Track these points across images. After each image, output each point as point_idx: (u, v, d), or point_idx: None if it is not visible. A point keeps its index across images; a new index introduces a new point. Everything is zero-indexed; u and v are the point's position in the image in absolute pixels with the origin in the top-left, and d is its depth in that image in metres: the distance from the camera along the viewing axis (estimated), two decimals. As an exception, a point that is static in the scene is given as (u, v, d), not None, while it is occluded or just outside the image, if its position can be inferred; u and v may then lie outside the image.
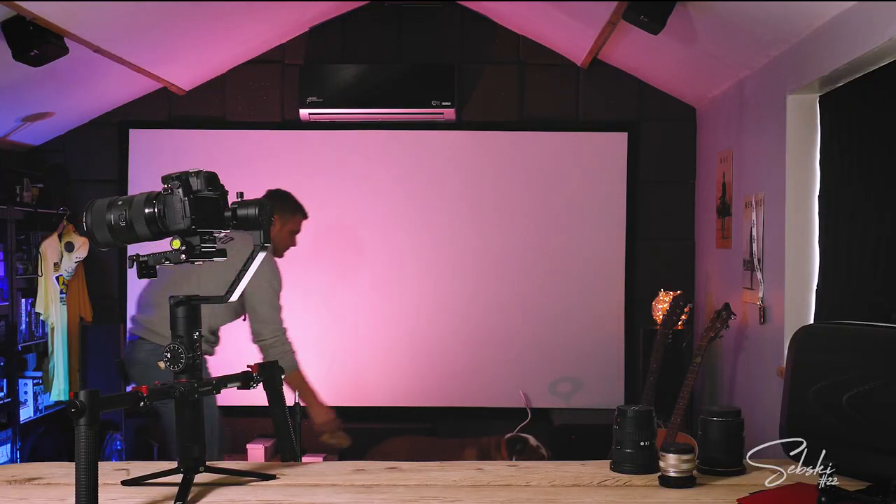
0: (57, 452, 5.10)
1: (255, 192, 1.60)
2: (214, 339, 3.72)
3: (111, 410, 1.47)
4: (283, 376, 1.73)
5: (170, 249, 1.50)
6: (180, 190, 1.47)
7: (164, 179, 1.49)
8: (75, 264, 5.06)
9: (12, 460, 4.65)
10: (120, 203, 1.52)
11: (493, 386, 5.34)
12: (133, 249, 1.58)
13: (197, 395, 1.52)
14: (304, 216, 4.01)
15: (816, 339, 1.61)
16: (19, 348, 4.86)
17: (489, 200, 5.34)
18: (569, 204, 5.31)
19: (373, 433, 5.05)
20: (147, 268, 1.54)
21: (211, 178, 1.50)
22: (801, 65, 3.57)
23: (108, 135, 5.38)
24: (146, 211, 1.49)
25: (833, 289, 3.48)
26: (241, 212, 1.52)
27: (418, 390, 5.35)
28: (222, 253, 1.54)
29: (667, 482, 1.53)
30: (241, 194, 1.55)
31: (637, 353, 5.13)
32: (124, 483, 1.56)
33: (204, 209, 1.48)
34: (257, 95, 5.38)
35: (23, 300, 4.92)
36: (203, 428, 1.55)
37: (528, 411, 5.23)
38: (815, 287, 3.68)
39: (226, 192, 1.53)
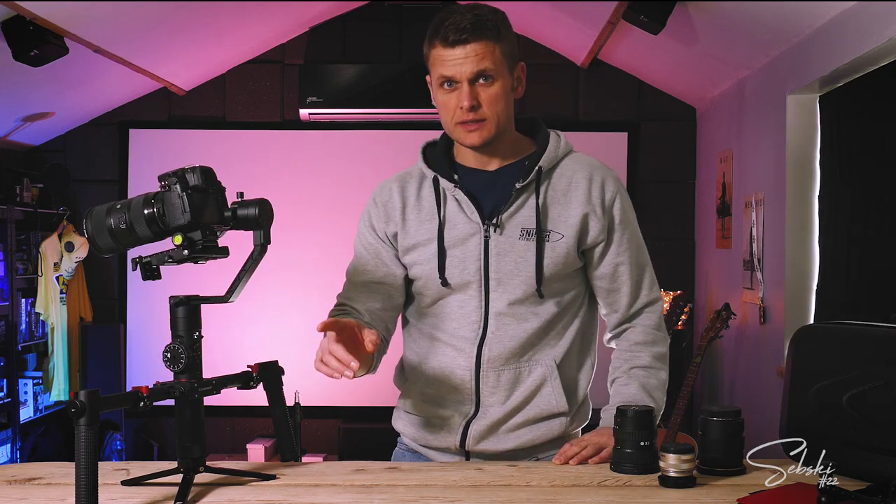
0: (57, 452, 5.10)
1: (255, 192, 1.60)
2: None
3: (111, 410, 1.46)
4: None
5: (172, 248, 1.50)
6: (178, 186, 1.47)
7: (161, 178, 1.49)
8: (75, 264, 5.06)
9: (12, 460, 4.65)
10: (119, 207, 1.52)
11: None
12: (135, 252, 1.58)
13: (197, 395, 1.52)
14: None
15: (816, 339, 1.60)
16: (19, 348, 4.86)
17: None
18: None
19: (372, 433, 5.05)
20: (150, 269, 1.54)
21: (207, 173, 1.50)
22: (801, 65, 3.57)
23: (108, 135, 5.38)
24: (145, 212, 1.48)
25: (833, 289, 3.48)
26: (240, 212, 1.52)
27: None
28: (224, 251, 1.54)
29: (667, 482, 1.53)
30: (240, 194, 1.55)
31: (637, 353, 5.12)
32: (124, 483, 1.56)
33: (203, 204, 1.48)
34: (257, 95, 5.38)
35: (23, 300, 4.92)
36: (203, 428, 1.55)
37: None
38: (815, 287, 3.68)
39: (223, 188, 1.53)
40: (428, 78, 1.87)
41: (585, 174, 1.85)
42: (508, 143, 1.86)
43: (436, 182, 1.84)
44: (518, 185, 1.80)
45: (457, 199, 1.82)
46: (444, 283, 1.81)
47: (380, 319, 1.87)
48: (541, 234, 1.80)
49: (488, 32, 1.75)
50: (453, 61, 1.75)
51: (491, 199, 1.82)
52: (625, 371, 1.88)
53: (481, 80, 1.75)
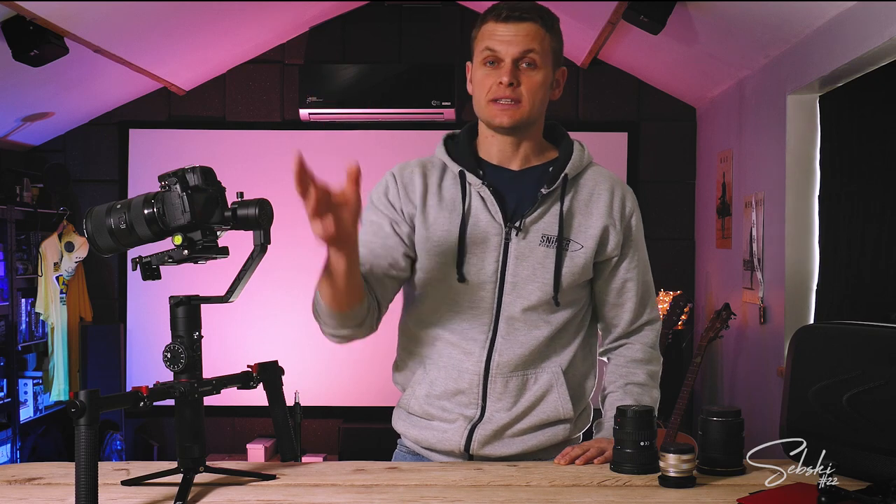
0: (57, 452, 5.10)
1: (255, 192, 1.60)
2: None
3: (111, 410, 1.46)
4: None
5: (172, 248, 1.50)
6: (178, 186, 1.47)
7: (161, 178, 1.49)
8: (75, 264, 5.06)
9: (12, 460, 4.65)
10: (119, 207, 1.52)
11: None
12: (135, 252, 1.58)
13: (197, 395, 1.52)
14: None
15: (816, 339, 1.60)
16: (19, 348, 4.86)
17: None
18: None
19: (372, 433, 5.05)
20: (150, 269, 1.54)
21: (207, 173, 1.50)
22: (801, 65, 3.57)
23: (108, 135, 5.38)
24: (145, 212, 1.49)
25: (833, 289, 3.48)
26: (240, 212, 1.52)
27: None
28: (224, 251, 1.54)
29: (667, 482, 1.53)
30: (240, 194, 1.55)
31: (637, 353, 5.12)
32: (124, 483, 1.56)
33: (203, 203, 1.48)
34: (257, 95, 5.38)
35: (23, 300, 4.92)
36: (203, 428, 1.55)
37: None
38: (815, 287, 3.68)
39: (223, 188, 1.53)
40: (468, 65, 1.84)
41: (607, 187, 1.85)
42: (534, 143, 1.84)
43: (462, 176, 1.81)
44: (544, 191, 1.78)
45: (482, 197, 1.79)
46: (461, 278, 1.78)
47: (377, 280, 1.80)
48: (561, 243, 1.78)
49: (543, 20, 1.77)
50: (503, 36, 1.74)
51: (513, 199, 1.80)
52: (620, 386, 1.87)
53: (525, 66, 1.75)
